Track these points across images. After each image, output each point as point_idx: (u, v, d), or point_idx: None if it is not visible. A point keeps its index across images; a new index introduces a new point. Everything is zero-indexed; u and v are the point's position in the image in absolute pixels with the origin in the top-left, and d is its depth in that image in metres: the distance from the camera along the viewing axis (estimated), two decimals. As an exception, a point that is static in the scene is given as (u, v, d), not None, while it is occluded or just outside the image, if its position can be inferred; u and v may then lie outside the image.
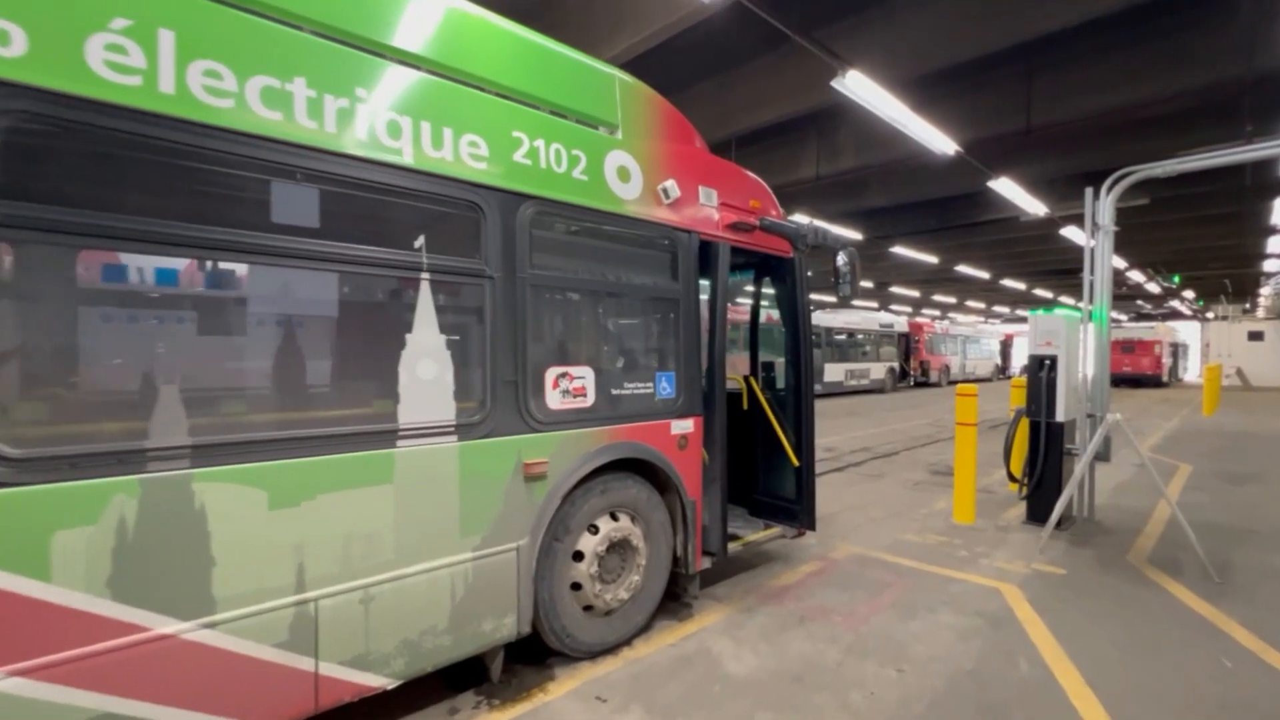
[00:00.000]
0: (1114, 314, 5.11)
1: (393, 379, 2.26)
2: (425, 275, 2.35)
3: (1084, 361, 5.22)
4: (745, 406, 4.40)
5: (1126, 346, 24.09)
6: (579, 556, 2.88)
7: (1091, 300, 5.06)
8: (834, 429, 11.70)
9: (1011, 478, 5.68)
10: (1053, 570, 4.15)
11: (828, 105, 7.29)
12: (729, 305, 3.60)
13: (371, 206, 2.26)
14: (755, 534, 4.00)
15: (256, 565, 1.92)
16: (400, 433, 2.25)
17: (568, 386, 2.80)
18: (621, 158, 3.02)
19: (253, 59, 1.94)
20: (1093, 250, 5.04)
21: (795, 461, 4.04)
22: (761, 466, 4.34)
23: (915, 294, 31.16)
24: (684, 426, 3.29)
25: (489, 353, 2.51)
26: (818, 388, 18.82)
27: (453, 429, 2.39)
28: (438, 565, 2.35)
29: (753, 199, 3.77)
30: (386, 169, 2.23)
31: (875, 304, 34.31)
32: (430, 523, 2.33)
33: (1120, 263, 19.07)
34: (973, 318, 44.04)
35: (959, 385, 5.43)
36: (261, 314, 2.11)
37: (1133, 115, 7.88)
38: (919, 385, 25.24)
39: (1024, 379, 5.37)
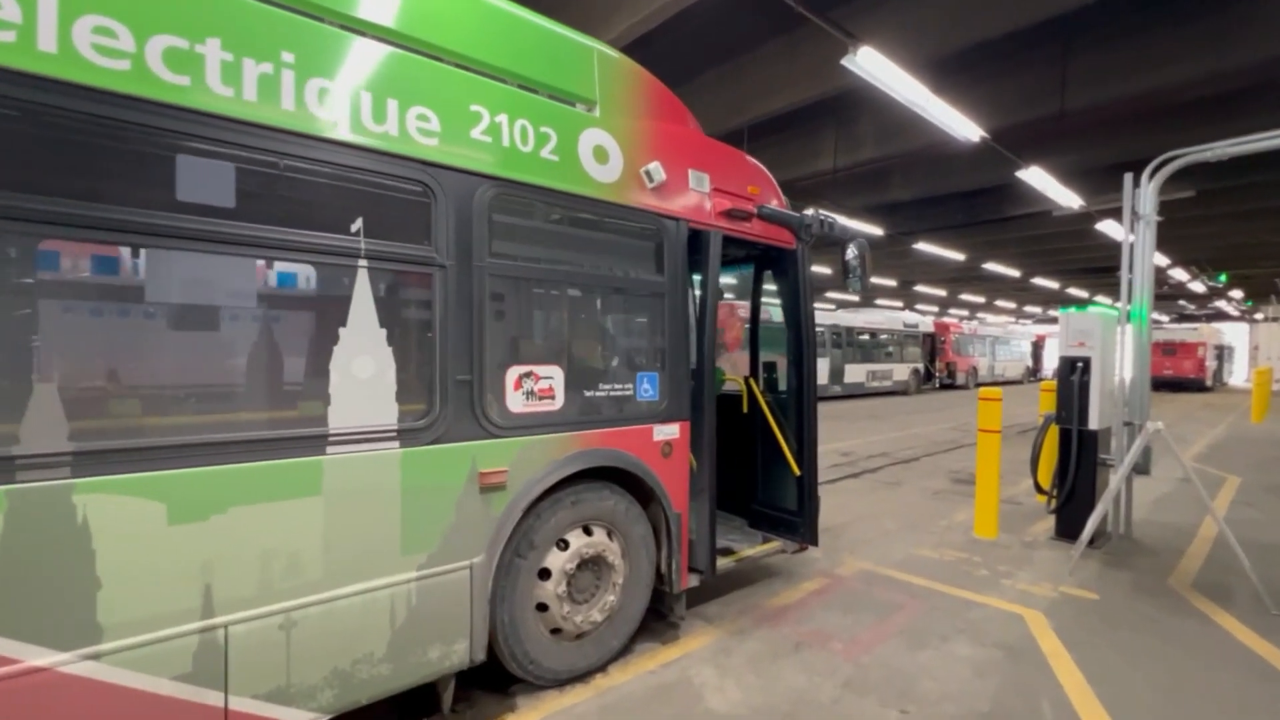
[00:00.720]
0: (1154, 315, 4.70)
1: (322, 378, 2.02)
2: (364, 263, 2.11)
3: (1121, 364, 4.77)
4: (745, 409, 4.09)
5: (1167, 349, 23.12)
6: (545, 574, 2.61)
7: (1130, 299, 4.62)
8: (853, 432, 11.25)
9: (1039, 489, 5.25)
10: (1084, 595, 3.75)
11: (845, 92, 6.90)
12: (735, 303, 3.31)
13: (299, 185, 2.02)
14: (749, 549, 3.69)
15: (152, 587, 1.70)
16: (330, 438, 2.01)
17: (532, 387, 2.54)
18: (599, 137, 2.75)
19: (155, 16, 1.72)
20: (1132, 244, 4.60)
21: (797, 470, 3.72)
22: (761, 474, 4.02)
23: (942, 293, 30.24)
24: (668, 432, 3.01)
25: (440, 350, 2.26)
26: (837, 389, 18.29)
27: (394, 434, 2.15)
28: (375, 586, 2.10)
29: (751, 185, 3.46)
30: (316, 143, 1.99)
31: (900, 303, 33.44)
32: (366, 539, 2.09)
33: (1161, 260, 18.13)
34: (1003, 318, 42.69)
35: (982, 389, 5.02)
36: (167, 304, 1.89)
37: (1179, 98, 7.29)
38: (944, 387, 24.42)
39: (1054, 382, 4.95)
